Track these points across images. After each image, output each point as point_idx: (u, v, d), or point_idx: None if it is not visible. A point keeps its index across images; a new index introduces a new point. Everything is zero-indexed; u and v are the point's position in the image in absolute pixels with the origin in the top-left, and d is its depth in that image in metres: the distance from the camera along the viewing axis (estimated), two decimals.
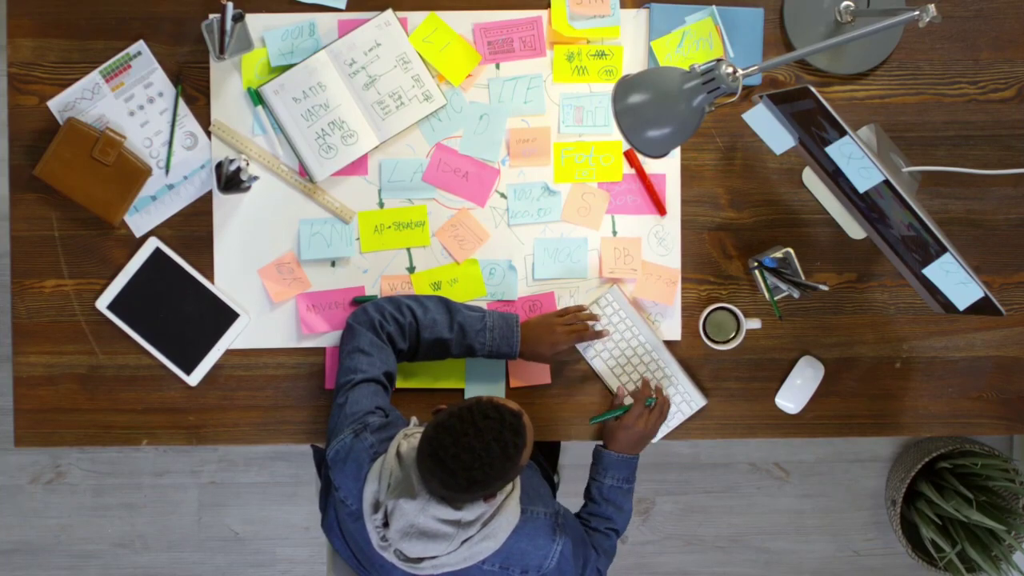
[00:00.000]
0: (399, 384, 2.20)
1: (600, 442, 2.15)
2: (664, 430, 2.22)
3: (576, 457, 3.07)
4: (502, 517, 1.84)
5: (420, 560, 1.82)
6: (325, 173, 2.18)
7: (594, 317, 2.17)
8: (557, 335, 2.10)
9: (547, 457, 2.54)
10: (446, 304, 2.08)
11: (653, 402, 2.12)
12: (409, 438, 1.87)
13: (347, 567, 2.04)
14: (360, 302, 2.20)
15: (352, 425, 1.91)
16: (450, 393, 2.21)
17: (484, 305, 2.21)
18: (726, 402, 2.24)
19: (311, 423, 2.22)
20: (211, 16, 2.13)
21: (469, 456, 1.71)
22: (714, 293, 2.23)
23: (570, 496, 3.08)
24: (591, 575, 2.01)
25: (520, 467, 1.77)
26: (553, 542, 1.90)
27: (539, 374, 2.22)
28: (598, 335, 2.14)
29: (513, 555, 1.88)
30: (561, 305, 2.21)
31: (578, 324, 2.13)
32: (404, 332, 2.04)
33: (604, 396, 2.23)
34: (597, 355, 2.21)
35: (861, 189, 1.93)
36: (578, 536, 1.97)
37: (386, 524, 1.82)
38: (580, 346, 2.21)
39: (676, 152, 2.21)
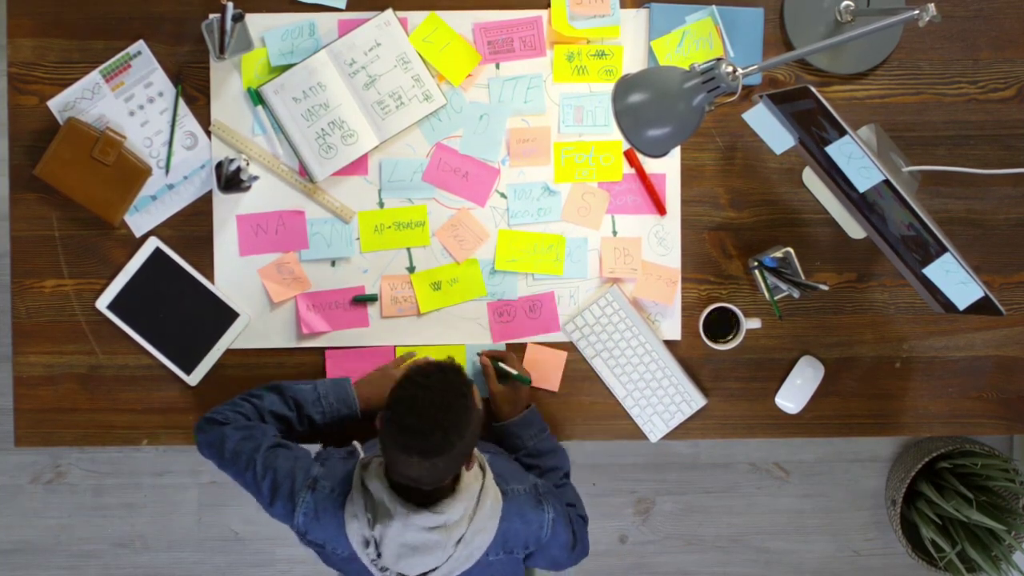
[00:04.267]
0: None
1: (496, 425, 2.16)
2: (664, 429, 2.22)
3: (576, 457, 3.07)
4: (486, 505, 1.86)
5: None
6: (325, 173, 2.18)
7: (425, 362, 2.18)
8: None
9: None
10: (276, 387, 2.09)
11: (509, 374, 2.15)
12: (367, 467, 1.88)
13: None
14: (360, 301, 2.20)
15: (304, 484, 1.91)
16: None
17: (484, 305, 2.21)
18: (726, 402, 2.24)
19: None
20: (211, 16, 2.13)
21: (432, 409, 1.72)
22: (714, 293, 2.23)
23: None
24: (578, 526, 2.04)
25: (477, 408, 1.77)
26: (543, 512, 1.93)
27: (550, 378, 2.21)
28: None
29: (510, 537, 1.90)
30: (561, 305, 2.21)
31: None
32: (251, 420, 2.05)
33: (604, 396, 2.23)
34: (597, 355, 2.21)
35: (861, 189, 1.93)
36: (560, 500, 2.00)
37: (380, 555, 1.84)
38: (580, 346, 2.21)
39: (676, 152, 2.21)
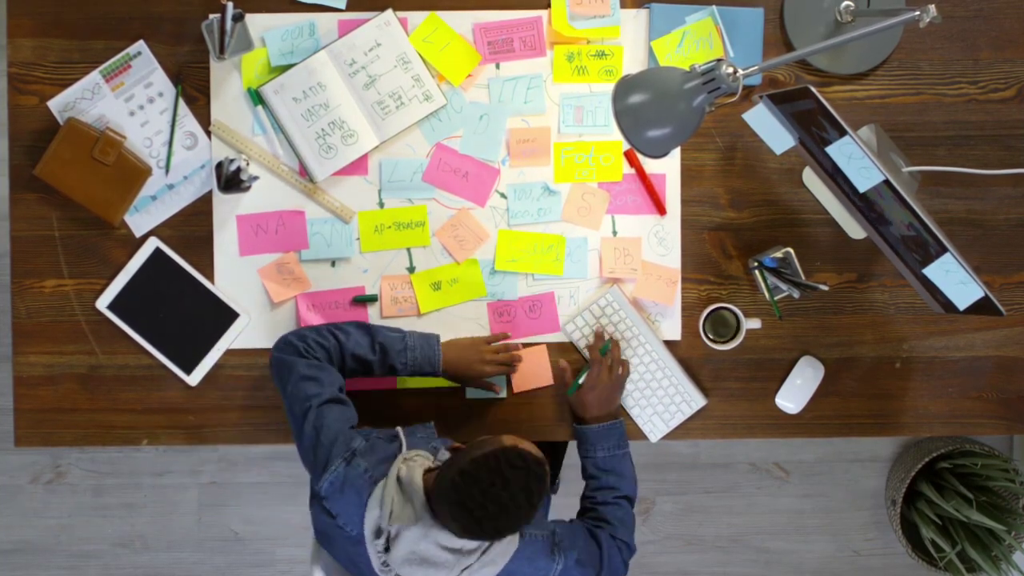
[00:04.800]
0: (401, 385, 2.20)
1: (576, 424, 2.16)
2: (664, 429, 2.22)
3: (576, 458, 3.06)
4: (501, 544, 1.85)
5: None
6: (325, 173, 2.18)
7: (516, 350, 2.18)
8: (482, 363, 2.13)
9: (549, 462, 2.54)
10: (366, 327, 2.08)
11: (607, 349, 2.14)
12: (408, 462, 1.86)
13: (332, 561, 2.05)
14: (360, 301, 2.20)
15: (341, 454, 1.90)
16: (447, 392, 2.21)
17: (484, 305, 2.21)
18: (726, 402, 2.24)
19: None
20: (211, 16, 2.13)
21: (496, 507, 1.71)
22: (714, 293, 2.23)
23: (572, 496, 3.08)
24: (611, 556, 2.00)
25: (538, 511, 1.77)
26: (553, 562, 1.91)
27: (540, 376, 2.22)
28: (513, 369, 2.18)
29: None
30: (561, 305, 2.21)
31: (504, 356, 2.15)
32: (331, 356, 2.03)
33: None
34: None
35: (861, 189, 1.93)
36: (580, 545, 1.96)
37: (387, 549, 1.83)
38: (580, 346, 2.21)
39: (676, 152, 2.21)
